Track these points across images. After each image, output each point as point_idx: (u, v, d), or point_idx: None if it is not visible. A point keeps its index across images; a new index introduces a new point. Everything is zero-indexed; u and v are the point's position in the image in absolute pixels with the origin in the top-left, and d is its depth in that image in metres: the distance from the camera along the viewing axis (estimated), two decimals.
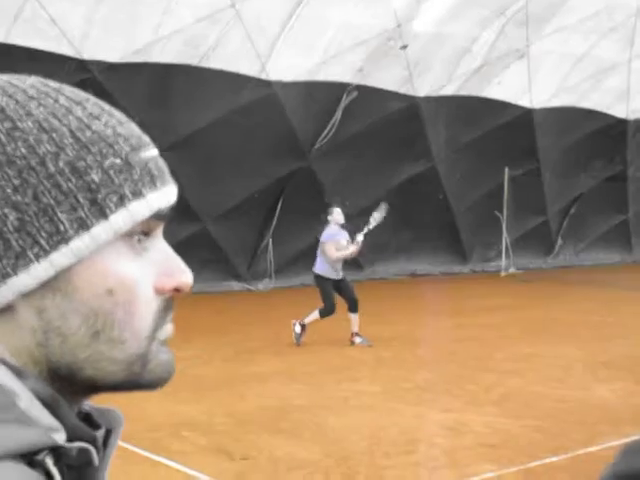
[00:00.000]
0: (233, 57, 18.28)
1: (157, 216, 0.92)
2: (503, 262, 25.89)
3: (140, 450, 7.84)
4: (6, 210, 0.84)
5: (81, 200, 0.85)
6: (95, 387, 0.92)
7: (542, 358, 12.21)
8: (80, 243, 0.85)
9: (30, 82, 0.91)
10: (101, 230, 0.86)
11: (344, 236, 13.80)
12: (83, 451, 0.87)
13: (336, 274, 13.74)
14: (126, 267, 0.89)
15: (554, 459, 7.54)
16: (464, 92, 22.66)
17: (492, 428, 8.58)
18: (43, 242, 0.84)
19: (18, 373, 0.84)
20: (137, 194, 0.88)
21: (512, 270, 25.77)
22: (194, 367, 11.75)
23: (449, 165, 23.91)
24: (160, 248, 0.95)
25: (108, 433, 0.99)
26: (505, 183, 25.16)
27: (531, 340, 13.69)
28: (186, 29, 17.17)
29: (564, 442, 8.00)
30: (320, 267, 13.79)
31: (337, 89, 20.35)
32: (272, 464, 7.51)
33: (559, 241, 28.51)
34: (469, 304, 18.43)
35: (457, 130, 23.30)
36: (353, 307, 13.76)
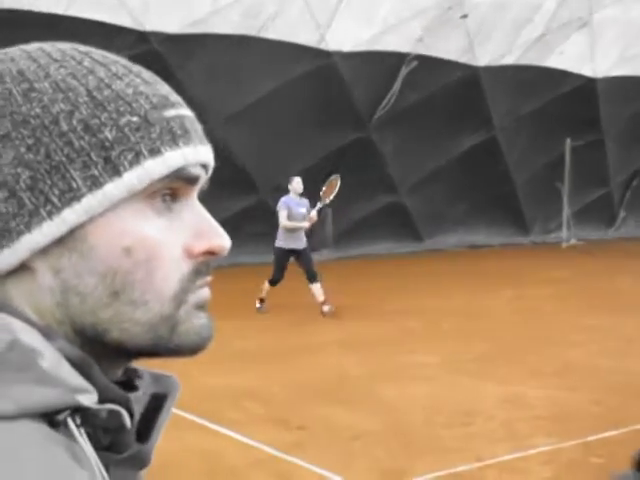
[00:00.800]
0: (292, 27, 18.23)
1: (184, 177, 0.91)
2: (564, 233, 25.63)
3: (198, 418, 7.91)
4: (19, 169, 0.84)
5: (94, 158, 0.86)
6: (127, 351, 0.92)
7: (604, 330, 12.08)
8: (93, 200, 0.85)
9: (59, 47, 0.92)
10: (114, 188, 0.86)
11: (303, 204, 14.12)
12: (114, 414, 0.86)
13: (291, 243, 13.98)
14: (146, 226, 0.89)
15: (613, 433, 7.46)
16: (525, 62, 22.40)
17: (551, 400, 8.51)
18: (55, 199, 0.85)
19: (46, 334, 0.84)
20: (154, 152, 0.88)
21: (573, 241, 25.49)
22: (249, 338, 11.82)
23: (510, 135, 23.68)
24: (192, 210, 0.94)
25: (163, 398, 1.00)
26: (567, 154, 24.87)
27: (593, 312, 13.55)
28: (245, 0, 17.15)
29: (624, 416, 7.91)
30: (277, 235, 14.16)
31: (396, 59, 20.22)
32: (329, 434, 7.53)
33: (621, 213, 28.15)
34: (530, 276, 18.28)
35: (518, 100, 23.06)
36: (311, 278, 14.02)
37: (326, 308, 13.77)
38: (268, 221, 15.33)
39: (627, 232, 28.14)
